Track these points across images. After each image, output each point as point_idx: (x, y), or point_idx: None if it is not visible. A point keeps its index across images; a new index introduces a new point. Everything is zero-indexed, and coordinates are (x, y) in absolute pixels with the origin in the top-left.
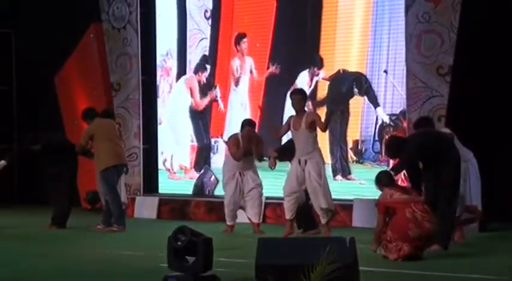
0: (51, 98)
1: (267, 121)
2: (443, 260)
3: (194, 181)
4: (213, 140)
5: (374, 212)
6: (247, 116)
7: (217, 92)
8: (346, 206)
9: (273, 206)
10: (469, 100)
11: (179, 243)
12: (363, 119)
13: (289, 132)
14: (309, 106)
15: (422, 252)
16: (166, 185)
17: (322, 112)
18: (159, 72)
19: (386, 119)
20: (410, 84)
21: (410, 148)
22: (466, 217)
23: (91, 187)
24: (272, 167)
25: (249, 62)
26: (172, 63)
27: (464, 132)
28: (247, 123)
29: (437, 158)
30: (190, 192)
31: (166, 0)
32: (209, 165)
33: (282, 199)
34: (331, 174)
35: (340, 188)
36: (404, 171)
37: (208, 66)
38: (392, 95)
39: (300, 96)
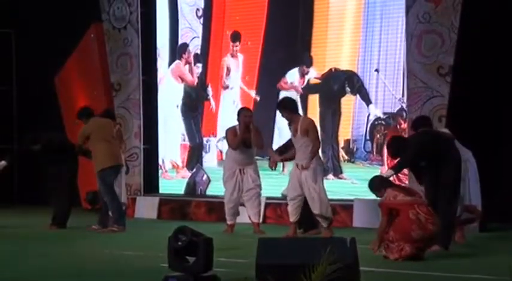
0: (52, 98)
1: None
2: (444, 260)
3: (186, 180)
4: (205, 139)
5: (374, 212)
6: None
7: (209, 91)
8: (347, 207)
9: (273, 207)
10: (470, 100)
11: (179, 243)
12: (355, 119)
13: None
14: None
15: (424, 252)
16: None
17: (315, 111)
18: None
19: (380, 114)
20: (411, 85)
21: (410, 148)
22: (466, 217)
23: (91, 187)
24: (273, 167)
25: (241, 60)
26: (160, 63)
27: (465, 132)
28: (244, 109)
29: (437, 158)
30: (182, 191)
31: None
32: (201, 164)
33: (282, 199)
34: None
35: (331, 188)
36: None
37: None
38: (384, 93)
39: (282, 112)
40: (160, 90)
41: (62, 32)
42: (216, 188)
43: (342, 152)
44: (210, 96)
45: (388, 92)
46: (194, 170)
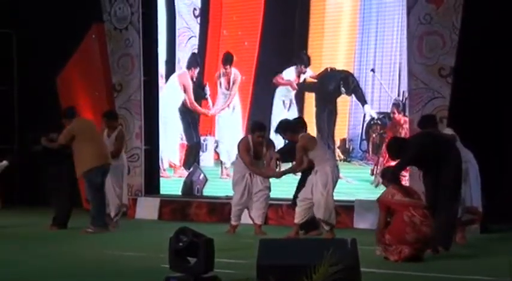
0: (52, 98)
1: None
2: (445, 261)
3: (183, 179)
4: (202, 139)
5: (375, 213)
6: (237, 114)
7: (207, 90)
8: (347, 208)
9: (274, 208)
10: (471, 101)
11: (180, 244)
12: (351, 118)
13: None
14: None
15: (423, 253)
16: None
17: (311, 110)
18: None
19: (375, 115)
20: (412, 86)
21: (409, 149)
22: (467, 218)
23: None
24: (274, 167)
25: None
26: (160, 64)
27: (466, 133)
28: (257, 129)
29: (438, 159)
30: (179, 191)
31: None
32: (198, 163)
33: (284, 200)
34: None
35: None
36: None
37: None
38: (380, 93)
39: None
40: (161, 90)
41: (62, 33)
42: (213, 188)
43: (338, 152)
44: (208, 96)
45: (384, 92)
46: (191, 169)
